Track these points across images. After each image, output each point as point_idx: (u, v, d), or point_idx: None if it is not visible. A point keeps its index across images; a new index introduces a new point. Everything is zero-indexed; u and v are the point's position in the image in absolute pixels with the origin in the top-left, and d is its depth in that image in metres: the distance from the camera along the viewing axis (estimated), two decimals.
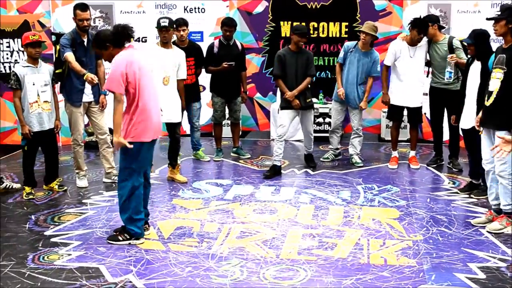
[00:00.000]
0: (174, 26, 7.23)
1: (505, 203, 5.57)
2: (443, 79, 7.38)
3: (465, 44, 6.40)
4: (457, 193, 6.72)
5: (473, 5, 8.57)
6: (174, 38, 7.48)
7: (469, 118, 6.27)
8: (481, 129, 5.69)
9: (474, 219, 5.88)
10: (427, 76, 7.80)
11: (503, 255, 5.03)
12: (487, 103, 5.50)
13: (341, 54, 7.89)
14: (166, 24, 6.98)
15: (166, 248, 5.24)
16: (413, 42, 7.46)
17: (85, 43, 6.77)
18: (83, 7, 6.74)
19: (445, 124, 7.74)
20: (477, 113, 5.88)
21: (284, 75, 7.40)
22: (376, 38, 7.74)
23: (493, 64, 5.55)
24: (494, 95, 5.42)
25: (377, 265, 4.86)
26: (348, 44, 7.96)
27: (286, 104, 7.44)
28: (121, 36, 5.15)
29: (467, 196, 6.60)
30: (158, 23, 7.04)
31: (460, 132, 7.03)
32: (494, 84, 5.44)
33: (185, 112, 7.86)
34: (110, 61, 5.21)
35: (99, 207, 6.34)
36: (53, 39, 7.37)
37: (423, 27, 7.32)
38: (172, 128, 7.15)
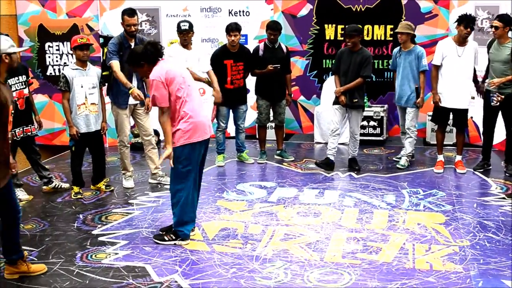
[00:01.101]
0: (192, 29, 7.45)
1: None
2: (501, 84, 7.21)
3: None
4: (504, 198, 6.60)
5: None
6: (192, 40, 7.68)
7: None
8: None
9: None
10: (483, 82, 7.65)
11: None
12: None
13: (391, 61, 8.07)
14: (187, 27, 7.24)
15: (211, 249, 5.29)
16: (461, 40, 7.35)
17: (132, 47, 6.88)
18: (131, 12, 6.87)
19: (496, 129, 7.59)
20: None
21: (338, 71, 7.68)
22: (413, 35, 7.77)
23: None
24: None
25: (423, 270, 4.81)
26: (395, 49, 8.05)
27: (336, 100, 7.68)
28: (154, 53, 5.24)
29: None
30: (179, 26, 7.28)
31: None
32: None
33: (231, 114, 7.98)
34: (146, 77, 5.38)
35: (145, 208, 6.44)
36: (101, 42, 7.52)
37: (471, 22, 7.25)
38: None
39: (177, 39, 9.37)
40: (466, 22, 7.24)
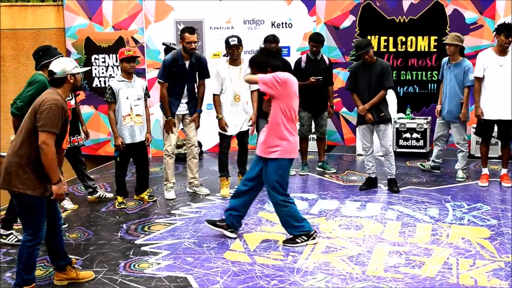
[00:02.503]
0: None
1: None
2: None
3: None
4: None
5: None
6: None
7: None
8: None
9: None
10: None
11: None
12: None
13: (440, 71, 7.97)
14: (236, 42, 7.10)
15: (252, 260, 5.31)
16: (501, 50, 7.25)
17: (187, 65, 7.01)
18: (191, 30, 6.99)
19: None
20: None
21: (356, 89, 7.37)
22: (462, 47, 7.67)
23: None
24: None
25: (467, 286, 4.73)
26: (444, 59, 7.95)
27: (360, 119, 7.41)
28: (282, 67, 5.64)
29: None
30: (228, 42, 7.12)
31: None
32: None
33: None
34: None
35: (187, 218, 6.50)
36: (163, 48, 7.71)
37: (510, 31, 7.15)
38: (242, 138, 7.44)
39: (220, 51, 9.59)
40: (507, 31, 7.14)
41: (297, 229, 5.67)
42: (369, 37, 9.41)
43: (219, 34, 9.61)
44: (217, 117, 7.22)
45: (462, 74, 7.61)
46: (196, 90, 7.32)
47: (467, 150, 7.95)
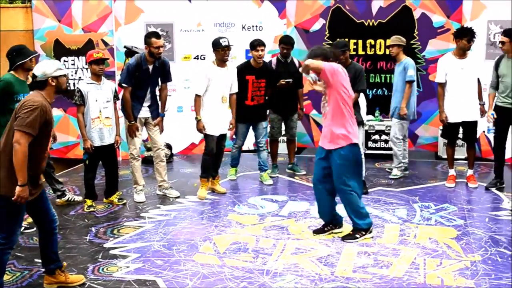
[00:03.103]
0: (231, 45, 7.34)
1: None
2: None
3: None
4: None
5: None
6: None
7: None
8: None
9: None
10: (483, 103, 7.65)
11: None
12: None
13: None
14: (227, 43, 7.10)
15: (221, 262, 5.31)
16: (461, 53, 7.39)
17: (151, 70, 6.99)
18: (157, 35, 7.02)
19: (510, 142, 7.56)
20: None
21: None
22: (405, 47, 8.05)
23: None
24: None
25: (434, 286, 4.80)
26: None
27: None
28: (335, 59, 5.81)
29: None
30: (218, 43, 7.10)
31: None
32: None
33: (251, 131, 7.98)
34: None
35: (157, 221, 6.48)
36: (124, 50, 7.64)
37: (473, 36, 7.32)
38: (220, 140, 7.40)
39: (190, 54, 9.59)
40: (471, 35, 7.28)
41: (365, 220, 5.83)
42: (338, 41, 9.50)
43: (189, 37, 9.61)
44: (196, 118, 7.20)
45: (404, 71, 7.86)
46: (157, 93, 7.30)
47: (400, 149, 8.13)
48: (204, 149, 7.42)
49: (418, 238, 5.84)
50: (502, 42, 7.17)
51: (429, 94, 9.14)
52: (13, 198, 4.37)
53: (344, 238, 5.83)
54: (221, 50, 7.11)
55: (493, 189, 7.52)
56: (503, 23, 8.65)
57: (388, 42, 8.17)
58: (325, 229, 6.01)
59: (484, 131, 8.98)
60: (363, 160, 7.43)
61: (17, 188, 4.37)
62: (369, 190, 7.48)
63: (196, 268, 5.19)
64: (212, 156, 7.36)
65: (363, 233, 5.80)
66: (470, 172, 7.80)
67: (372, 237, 5.82)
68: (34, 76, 4.59)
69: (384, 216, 6.53)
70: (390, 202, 7.03)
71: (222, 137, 7.46)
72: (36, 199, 4.63)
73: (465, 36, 7.32)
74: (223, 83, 7.21)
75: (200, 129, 7.21)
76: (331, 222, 6.00)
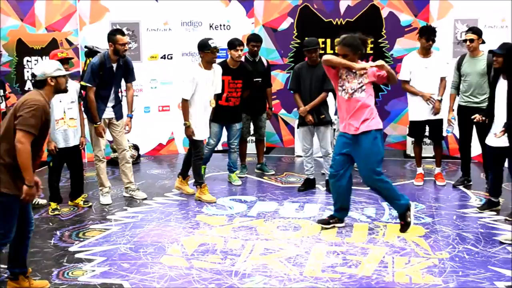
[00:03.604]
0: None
1: None
2: (476, 98, 7.24)
3: (494, 53, 6.20)
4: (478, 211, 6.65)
5: (501, 20, 8.49)
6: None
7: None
8: None
9: (501, 236, 5.84)
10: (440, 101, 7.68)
11: None
12: None
13: None
14: (216, 44, 6.96)
15: (189, 264, 5.24)
16: (425, 52, 7.43)
17: (114, 68, 6.87)
18: (122, 32, 6.91)
19: (475, 140, 7.59)
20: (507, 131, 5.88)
21: (299, 89, 7.34)
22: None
23: None
24: None
25: (402, 283, 4.79)
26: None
27: (301, 121, 7.41)
28: (365, 49, 5.98)
29: (495, 213, 6.50)
30: (207, 44, 6.89)
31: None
32: None
33: (224, 132, 7.89)
34: (351, 64, 5.75)
35: (123, 223, 6.37)
36: (84, 50, 7.50)
37: (432, 35, 7.36)
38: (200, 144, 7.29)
39: (157, 54, 9.48)
40: (428, 34, 7.33)
41: (402, 201, 5.98)
42: (306, 39, 9.48)
43: (156, 36, 9.50)
44: (184, 124, 6.99)
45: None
46: (120, 94, 7.18)
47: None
48: (194, 155, 7.18)
49: (387, 237, 5.84)
50: (471, 40, 7.20)
51: (398, 93, 9.17)
52: (21, 197, 4.38)
53: (401, 229, 5.97)
54: (210, 52, 6.92)
55: (461, 187, 7.57)
56: (469, 21, 8.72)
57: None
58: (330, 221, 6.11)
59: None
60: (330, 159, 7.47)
61: (25, 188, 4.37)
62: None
63: (164, 271, 5.11)
64: (201, 160, 7.23)
65: (409, 212, 5.98)
66: (437, 170, 7.86)
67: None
68: (33, 75, 4.63)
69: (352, 215, 6.51)
70: (359, 201, 7.03)
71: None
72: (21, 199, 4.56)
73: (423, 34, 7.39)
74: (210, 86, 7.09)
75: (189, 135, 7.03)
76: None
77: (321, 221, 6.13)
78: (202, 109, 7.07)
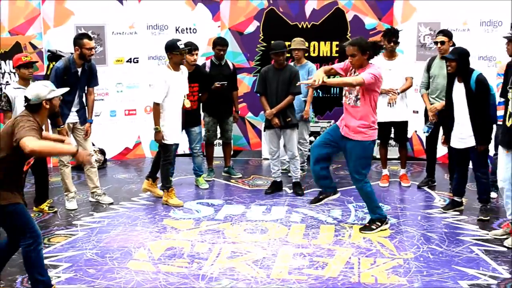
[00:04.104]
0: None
1: None
2: (442, 100, 7.31)
3: (447, 59, 6.31)
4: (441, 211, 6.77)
5: (462, 23, 8.64)
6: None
7: (460, 138, 6.33)
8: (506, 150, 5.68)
9: (492, 231, 6.00)
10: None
11: (494, 272, 5.03)
12: (508, 123, 5.53)
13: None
14: (184, 46, 6.94)
15: (156, 269, 5.22)
16: (389, 54, 7.55)
17: (79, 73, 6.81)
18: (89, 36, 6.85)
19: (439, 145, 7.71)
20: (474, 132, 6.06)
21: (265, 92, 7.36)
22: (307, 50, 8.27)
23: (478, 85, 5.64)
24: None
25: (368, 284, 4.85)
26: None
27: (267, 123, 7.43)
28: (377, 52, 5.96)
29: (458, 213, 6.61)
30: (175, 45, 6.85)
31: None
32: None
33: (185, 136, 7.86)
34: (355, 67, 5.88)
35: (89, 229, 6.31)
36: (47, 55, 7.42)
37: (393, 36, 7.48)
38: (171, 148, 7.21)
39: (123, 57, 9.42)
40: (389, 36, 7.44)
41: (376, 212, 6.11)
42: (273, 43, 9.52)
43: (122, 39, 9.43)
44: (155, 128, 6.91)
45: (307, 75, 7.87)
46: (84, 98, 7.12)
47: (306, 149, 8.34)
48: (164, 159, 7.11)
49: (353, 238, 5.90)
50: (442, 42, 7.31)
51: None
52: (81, 160, 4.50)
53: (361, 229, 6.08)
54: (178, 53, 6.89)
55: (425, 188, 7.69)
56: (432, 25, 8.86)
57: (295, 45, 8.06)
58: (320, 197, 6.35)
59: (416, 131, 9.17)
60: (298, 161, 7.54)
61: (77, 156, 4.42)
62: (305, 192, 7.51)
63: (130, 276, 5.08)
64: (171, 164, 7.17)
65: (379, 224, 6.03)
66: (402, 171, 7.96)
67: (386, 228, 6.10)
68: (26, 99, 4.48)
69: (319, 217, 6.57)
70: (326, 203, 7.01)
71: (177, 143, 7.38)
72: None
73: (385, 36, 7.52)
74: (181, 88, 7.06)
75: (160, 139, 6.96)
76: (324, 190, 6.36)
77: (313, 201, 6.56)
78: (175, 112, 7.02)
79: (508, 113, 5.55)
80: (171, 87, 6.89)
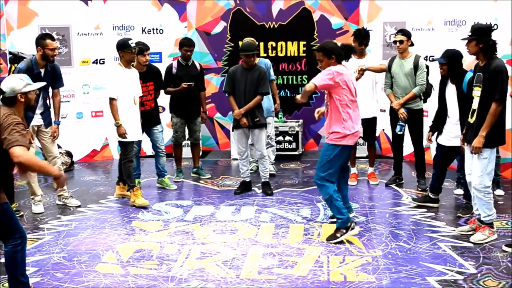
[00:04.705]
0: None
1: (484, 215, 5.72)
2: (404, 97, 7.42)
3: (439, 63, 6.39)
4: (413, 204, 6.87)
5: (427, 22, 8.74)
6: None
7: (449, 136, 6.45)
8: (465, 144, 5.83)
9: (459, 228, 6.09)
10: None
11: (460, 268, 5.09)
12: (471, 120, 5.65)
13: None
14: (135, 44, 7.00)
15: (125, 271, 5.17)
16: (358, 54, 7.61)
17: (42, 74, 6.71)
18: (52, 36, 6.77)
19: (407, 139, 7.77)
20: (462, 131, 6.10)
21: (233, 92, 7.36)
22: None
23: (473, 82, 5.71)
24: (476, 113, 5.59)
25: (337, 282, 4.87)
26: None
27: (236, 123, 7.43)
28: (347, 53, 5.87)
29: (426, 210, 6.69)
30: (127, 43, 6.94)
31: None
32: (475, 102, 5.61)
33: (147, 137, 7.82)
34: (323, 69, 5.73)
35: (57, 232, 6.23)
36: (9, 57, 7.30)
37: (364, 39, 7.57)
38: (136, 146, 7.25)
39: (89, 58, 9.32)
40: (360, 40, 7.58)
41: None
42: (240, 43, 9.50)
43: (87, 40, 9.33)
44: (115, 124, 6.92)
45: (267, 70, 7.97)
46: (48, 100, 7.01)
47: (274, 145, 8.49)
48: (124, 157, 7.10)
49: (322, 237, 5.92)
50: (401, 41, 7.38)
51: None
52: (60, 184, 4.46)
53: (327, 239, 5.79)
54: (130, 52, 6.95)
55: (393, 185, 7.76)
56: (398, 24, 8.95)
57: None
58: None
59: (383, 129, 9.25)
60: (267, 161, 7.56)
61: (55, 180, 4.38)
62: (274, 191, 7.53)
63: (99, 279, 5.02)
64: (133, 163, 7.16)
65: (344, 231, 5.75)
66: (371, 169, 8.03)
67: (354, 234, 5.85)
68: (1, 92, 4.39)
69: (288, 216, 6.58)
70: (295, 202, 7.10)
71: (139, 143, 7.39)
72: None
73: (356, 39, 7.61)
74: (132, 85, 7.06)
75: (122, 133, 6.93)
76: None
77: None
78: (129, 108, 7.02)
79: (471, 110, 5.67)
80: (123, 84, 6.96)
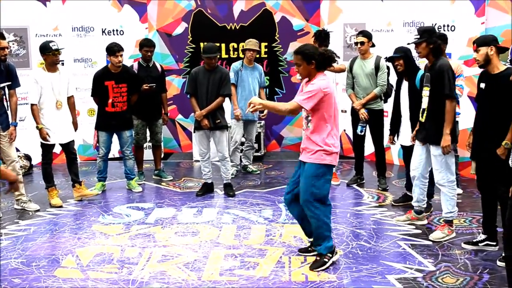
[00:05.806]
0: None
1: (447, 211, 5.84)
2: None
3: (394, 58, 6.47)
4: (376, 207, 6.91)
5: (387, 24, 8.85)
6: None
7: (407, 135, 6.54)
8: (415, 141, 6.02)
9: (396, 217, 6.38)
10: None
11: (420, 266, 5.16)
12: (422, 119, 5.79)
13: (232, 75, 8.00)
14: (57, 46, 6.94)
15: (85, 276, 5.10)
16: None
17: None
18: (2, 35, 6.64)
19: (368, 139, 7.84)
20: (412, 130, 6.21)
21: (195, 93, 7.33)
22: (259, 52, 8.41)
23: (423, 82, 5.81)
24: (426, 112, 5.72)
25: (299, 282, 4.89)
26: (236, 64, 8.28)
27: (197, 125, 7.40)
28: (328, 61, 5.11)
29: (386, 209, 6.77)
30: (48, 46, 6.88)
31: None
32: (425, 102, 5.73)
33: (116, 139, 7.75)
34: (303, 77, 5.19)
35: (15, 237, 6.11)
36: None
37: (324, 41, 7.61)
38: (67, 147, 7.23)
39: None
40: (320, 41, 7.61)
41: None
42: (201, 44, 9.49)
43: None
44: (37, 127, 6.98)
45: (260, 77, 8.27)
46: (6, 102, 6.87)
47: (253, 147, 8.70)
48: (42, 159, 7.21)
49: (284, 237, 5.93)
50: (362, 42, 7.45)
51: (292, 95, 9.29)
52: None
53: (311, 267, 5.17)
54: (51, 54, 6.91)
55: (354, 185, 7.83)
56: (358, 25, 9.03)
57: (246, 45, 8.17)
58: (309, 248, 5.53)
59: (344, 130, 9.33)
60: (229, 163, 7.55)
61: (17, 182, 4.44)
62: (236, 193, 7.53)
63: (58, 284, 4.94)
64: (51, 165, 7.27)
65: (330, 255, 5.21)
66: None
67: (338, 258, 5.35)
68: None
69: (250, 217, 6.58)
70: (257, 203, 7.11)
71: (69, 144, 7.27)
72: None
73: (316, 40, 7.65)
74: (56, 88, 7.01)
75: (45, 136, 6.99)
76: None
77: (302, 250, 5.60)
78: (50, 112, 7.02)
79: (421, 109, 5.82)
80: (44, 88, 6.96)
